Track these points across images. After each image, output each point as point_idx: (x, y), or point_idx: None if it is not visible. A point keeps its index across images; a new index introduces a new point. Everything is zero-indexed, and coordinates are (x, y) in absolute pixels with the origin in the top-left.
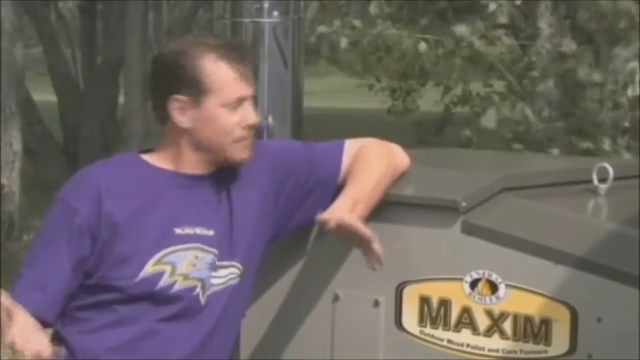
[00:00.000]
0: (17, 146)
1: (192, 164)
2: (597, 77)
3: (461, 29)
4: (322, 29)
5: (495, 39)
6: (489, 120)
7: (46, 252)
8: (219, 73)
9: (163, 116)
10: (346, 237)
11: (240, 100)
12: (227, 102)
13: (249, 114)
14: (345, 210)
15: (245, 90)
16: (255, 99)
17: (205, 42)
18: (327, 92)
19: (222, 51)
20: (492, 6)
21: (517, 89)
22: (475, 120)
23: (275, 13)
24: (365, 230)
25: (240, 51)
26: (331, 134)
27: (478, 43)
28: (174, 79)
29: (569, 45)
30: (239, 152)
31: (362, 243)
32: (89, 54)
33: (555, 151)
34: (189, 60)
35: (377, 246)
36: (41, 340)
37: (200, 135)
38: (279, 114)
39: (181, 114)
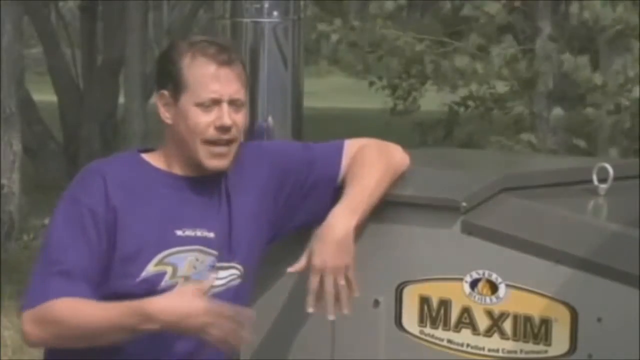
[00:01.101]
0: (17, 146)
1: (181, 165)
2: (597, 80)
3: (462, 61)
4: (322, 26)
5: (489, 53)
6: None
7: (73, 247)
8: (196, 71)
9: (156, 113)
10: None
11: (215, 102)
12: (200, 102)
13: (222, 115)
14: (342, 218)
15: (222, 92)
16: (239, 102)
17: (193, 41)
18: (327, 92)
19: (204, 50)
20: (483, 19)
21: (517, 89)
22: (477, 120)
23: (275, 13)
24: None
25: (224, 53)
26: (331, 134)
27: (479, 67)
28: (161, 76)
29: (568, 61)
30: (208, 159)
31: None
32: (89, 54)
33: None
34: (173, 56)
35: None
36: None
37: (178, 133)
38: (279, 114)
39: (166, 110)
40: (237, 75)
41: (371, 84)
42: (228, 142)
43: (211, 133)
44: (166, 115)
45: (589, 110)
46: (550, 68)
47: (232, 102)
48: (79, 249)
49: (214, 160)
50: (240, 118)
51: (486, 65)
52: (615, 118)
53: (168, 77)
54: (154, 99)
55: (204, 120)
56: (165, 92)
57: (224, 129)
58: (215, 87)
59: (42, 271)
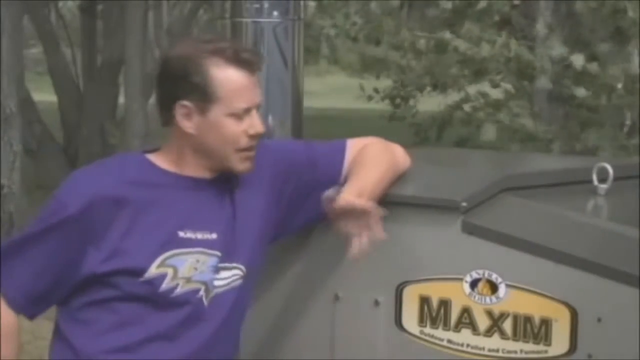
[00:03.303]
0: (17, 146)
1: (194, 167)
2: (592, 69)
3: (446, 35)
4: (322, 22)
5: (486, 41)
6: (488, 133)
7: (36, 248)
8: (226, 82)
9: (168, 119)
10: (342, 222)
11: (247, 110)
12: (234, 112)
13: (255, 123)
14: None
15: (253, 99)
16: (260, 106)
17: (213, 48)
18: (327, 92)
19: (230, 58)
20: (482, 4)
21: (514, 90)
22: (473, 122)
23: (275, 13)
24: (372, 206)
25: (250, 59)
26: (331, 134)
27: (464, 46)
28: (181, 85)
29: (559, 52)
30: (240, 163)
31: (362, 223)
32: (89, 54)
33: (556, 148)
34: (196, 67)
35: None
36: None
37: (204, 142)
38: (279, 114)
39: (187, 120)
40: (258, 80)
41: (369, 98)
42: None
43: (245, 141)
44: (187, 124)
45: (581, 91)
46: (550, 66)
47: (258, 108)
48: (46, 255)
49: (246, 164)
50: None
51: (476, 49)
52: (608, 106)
53: (189, 89)
54: (154, 100)
55: (238, 130)
56: (187, 103)
57: (257, 136)
58: (248, 97)
59: (5, 260)
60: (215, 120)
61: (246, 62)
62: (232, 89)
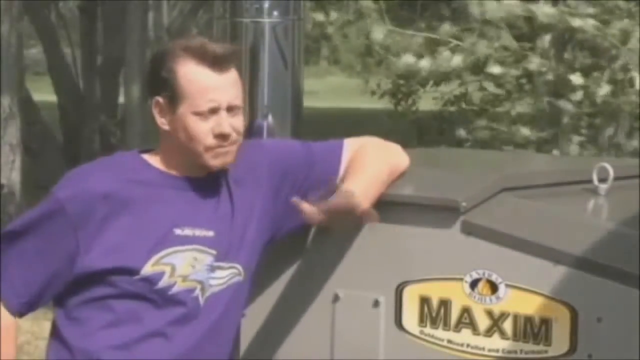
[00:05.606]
0: (17, 146)
1: (181, 166)
2: (576, 80)
3: (445, 29)
4: (318, 16)
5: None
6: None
7: (26, 239)
8: (191, 80)
9: (153, 116)
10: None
11: (213, 110)
12: (199, 111)
13: (221, 123)
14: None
15: (220, 100)
16: (236, 108)
17: (187, 46)
18: (327, 92)
19: (198, 56)
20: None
21: (514, 89)
22: (472, 119)
23: (275, 13)
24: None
25: (221, 60)
26: (331, 134)
27: (467, 42)
28: (155, 80)
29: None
30: (213, 160)
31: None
32: (89, 54)
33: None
34: (165, 63)
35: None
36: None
37: (177, 139)
38: (279, 114)
39: (161, 116)
40: (234, 81)
41: (373, 93)
42: (229, 145)
43: (211, 141)
44: (162, 121)
45: (562, 102)
46: (548, 66)
47: (230, 109)
48: (39, 252)
49: (218, 160)
50: (238, 122)
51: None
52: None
53: (163, 85)
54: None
55: (203, 129)
56: (161, 100)
57: (223, 136)
58: (213, 96)
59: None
60: (182, 118)
61: (214, 60)
62: (196, 88)
